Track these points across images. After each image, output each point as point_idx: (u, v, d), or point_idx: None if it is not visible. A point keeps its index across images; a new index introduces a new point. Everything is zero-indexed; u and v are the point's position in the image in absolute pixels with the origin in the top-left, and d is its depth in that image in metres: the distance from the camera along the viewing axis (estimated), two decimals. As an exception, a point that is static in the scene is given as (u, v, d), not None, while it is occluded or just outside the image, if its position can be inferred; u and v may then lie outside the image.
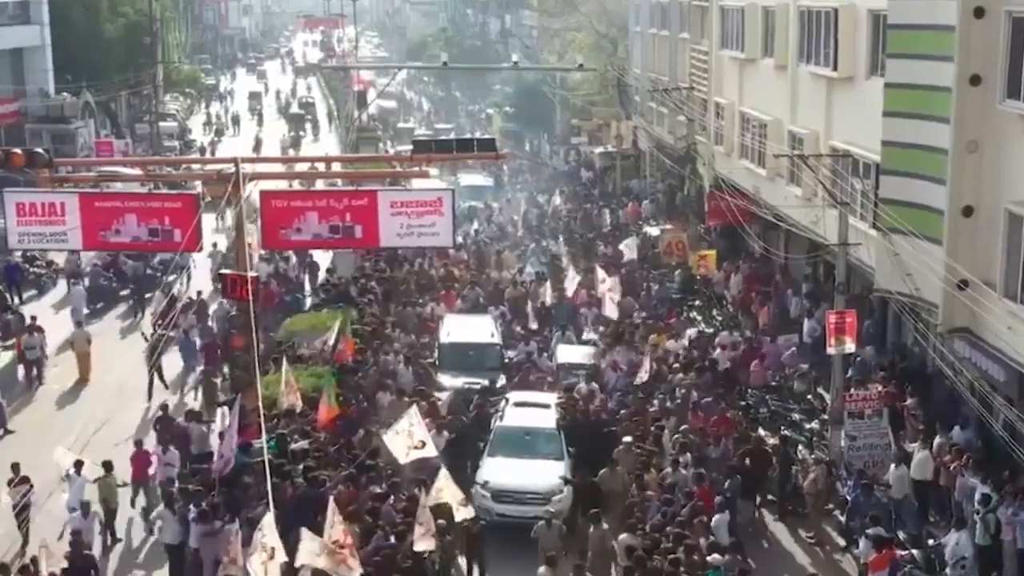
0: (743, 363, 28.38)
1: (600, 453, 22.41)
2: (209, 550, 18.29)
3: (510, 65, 60.76)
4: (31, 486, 19.92)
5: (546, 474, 22.23)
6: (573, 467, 22.44)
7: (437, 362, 28.18)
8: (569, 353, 29.08)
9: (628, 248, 38.95)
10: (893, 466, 21.73)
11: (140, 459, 22.38)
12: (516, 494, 21.79)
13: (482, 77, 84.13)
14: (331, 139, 76.24)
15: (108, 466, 21.59)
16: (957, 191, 21.36)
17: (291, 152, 67.06)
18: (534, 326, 31.69)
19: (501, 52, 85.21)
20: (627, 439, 22.73)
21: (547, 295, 33.69)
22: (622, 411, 24.68)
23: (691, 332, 30.63)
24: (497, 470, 22.30)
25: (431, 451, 20.56)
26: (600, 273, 34.01)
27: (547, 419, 23.81)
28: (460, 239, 39.31)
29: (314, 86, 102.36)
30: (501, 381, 26.94)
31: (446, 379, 26.93)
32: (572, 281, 34.57)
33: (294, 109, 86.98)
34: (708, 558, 18.06)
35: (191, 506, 18.78)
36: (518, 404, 24.51)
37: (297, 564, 15.88)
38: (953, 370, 21.80)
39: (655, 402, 25.46)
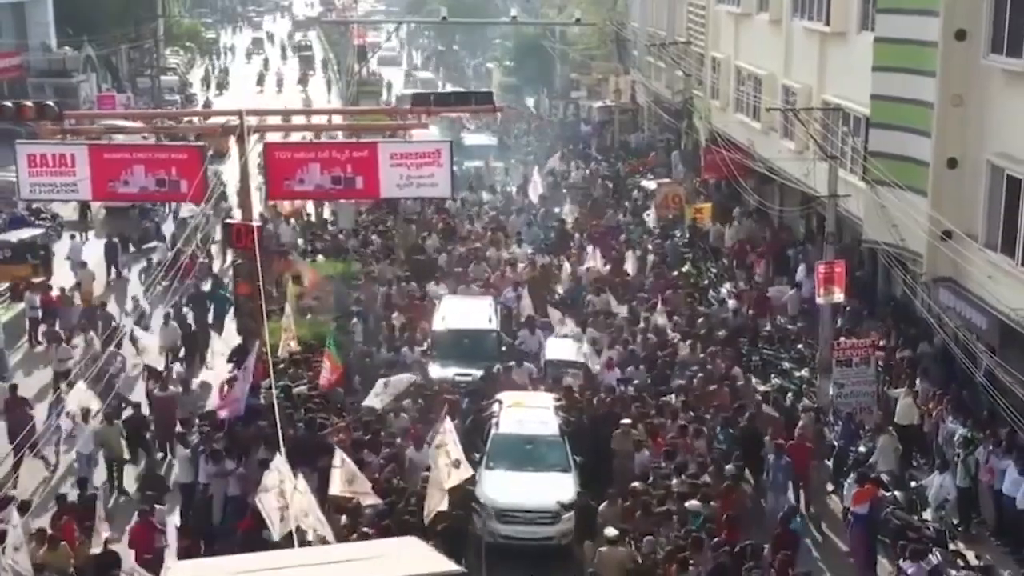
0: (758, 313, 28.84)
1: (607, 462, 21.03)
2: (219, 488, 19.03)
3: (508, 20, 60.88)
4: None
5: (554, 489, 19.94)
6: (579, 480, 20.37)
7: (430, 350, 25.77)
8: (558, 348, 26.23)
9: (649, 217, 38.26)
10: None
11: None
12: (523, 514, 19.63)
13: (483, 31, 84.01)
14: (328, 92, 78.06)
15: (109, 418, 21.95)
16: (942, 144, 21.95)
17: (300, 87, 76.83)
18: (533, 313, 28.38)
19: (501, 6, 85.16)
20: (625, 422, 21.44)
21: (563, 277, 31.39)
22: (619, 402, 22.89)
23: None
24: (499, 486, 19.99)
25: None
26: (597, 254, 32.55)
27: (549, 424, 21.37)
28: (461, 203, 39.20)
29: (313, 39, 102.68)
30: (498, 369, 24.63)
31: (436, 369, 24.73)
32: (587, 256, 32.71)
33: (299, 52, 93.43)
34: (686, 504, 18.53)
35: (202, 446, 19.54)
36: (513, 407, 21.91)
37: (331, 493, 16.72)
38: (938, 320, 22.44)
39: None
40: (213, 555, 17.59)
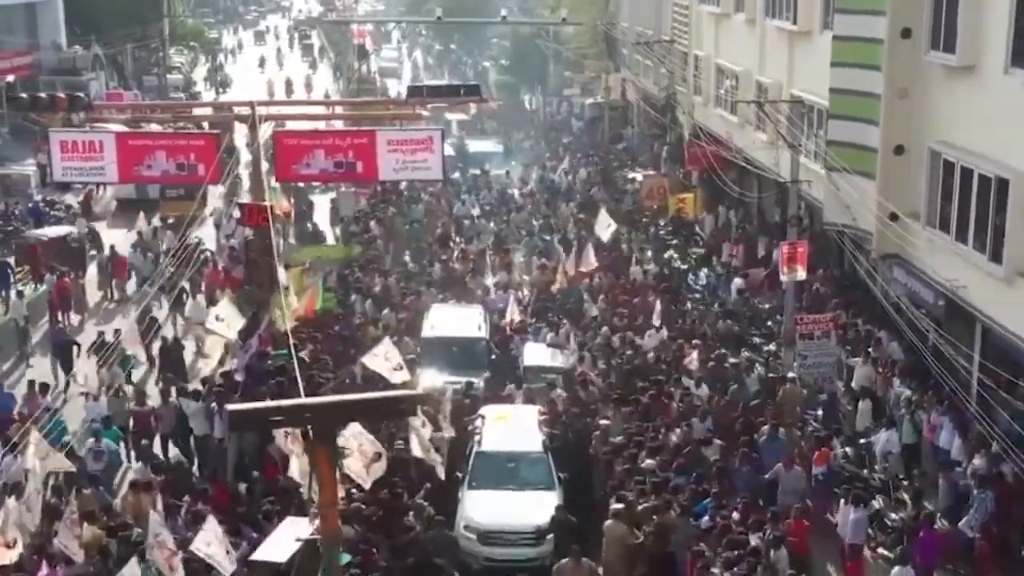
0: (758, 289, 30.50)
1: (593, 477, 20.66)
2: (235, 443, 20.93)
3: (499, 19, 62.63)
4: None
5: (537, 508, 19.26)
6: (564, 497, 19.75)
7: (418, 358, 24.96)
8: (537, 354, 26.08)
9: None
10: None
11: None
12: (505, 535, 19.18)
13: (480, 31, 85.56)
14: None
15: (117, 392, 22.98)
16: (889, 132, 23.78)
17: (309, 71, 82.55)
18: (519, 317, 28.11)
19: (498, 5, 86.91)
20: (603, 422, 21.42)
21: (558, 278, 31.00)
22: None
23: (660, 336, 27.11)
24: (481, 507, 19.51)
25: (406, 375, 21.57)
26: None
27: (532, 440, 20.78)
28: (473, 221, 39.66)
29: (313, 36, 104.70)
30: (482, 384, 24.46)
31: (426, 378, 23.76)
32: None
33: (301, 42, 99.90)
34: (642, 464, 19.83)
35: (217, 402, 21.39)
36: (496, 422, 21.39)
37: None
38: (888, 295, 24.42)
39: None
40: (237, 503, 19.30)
